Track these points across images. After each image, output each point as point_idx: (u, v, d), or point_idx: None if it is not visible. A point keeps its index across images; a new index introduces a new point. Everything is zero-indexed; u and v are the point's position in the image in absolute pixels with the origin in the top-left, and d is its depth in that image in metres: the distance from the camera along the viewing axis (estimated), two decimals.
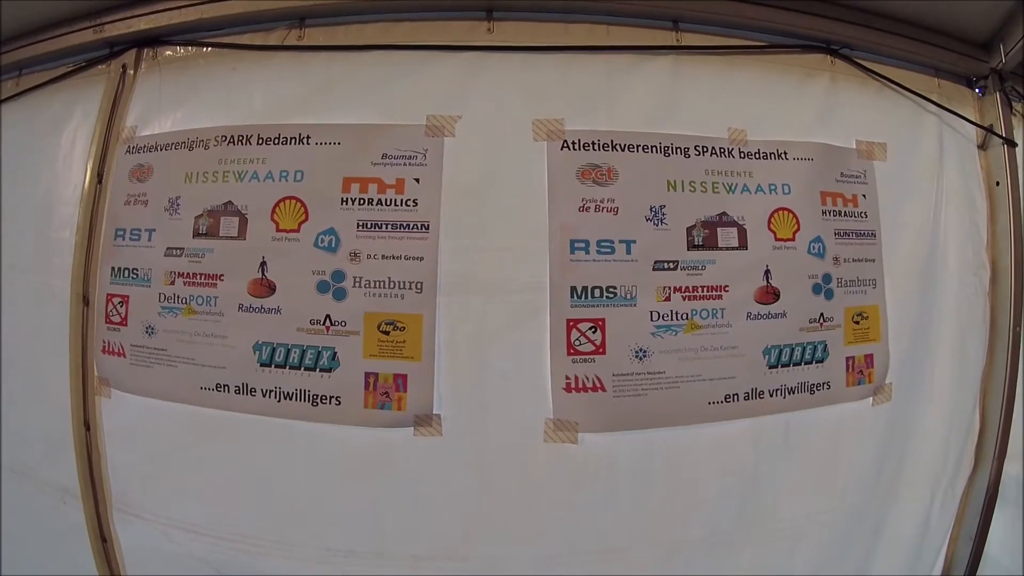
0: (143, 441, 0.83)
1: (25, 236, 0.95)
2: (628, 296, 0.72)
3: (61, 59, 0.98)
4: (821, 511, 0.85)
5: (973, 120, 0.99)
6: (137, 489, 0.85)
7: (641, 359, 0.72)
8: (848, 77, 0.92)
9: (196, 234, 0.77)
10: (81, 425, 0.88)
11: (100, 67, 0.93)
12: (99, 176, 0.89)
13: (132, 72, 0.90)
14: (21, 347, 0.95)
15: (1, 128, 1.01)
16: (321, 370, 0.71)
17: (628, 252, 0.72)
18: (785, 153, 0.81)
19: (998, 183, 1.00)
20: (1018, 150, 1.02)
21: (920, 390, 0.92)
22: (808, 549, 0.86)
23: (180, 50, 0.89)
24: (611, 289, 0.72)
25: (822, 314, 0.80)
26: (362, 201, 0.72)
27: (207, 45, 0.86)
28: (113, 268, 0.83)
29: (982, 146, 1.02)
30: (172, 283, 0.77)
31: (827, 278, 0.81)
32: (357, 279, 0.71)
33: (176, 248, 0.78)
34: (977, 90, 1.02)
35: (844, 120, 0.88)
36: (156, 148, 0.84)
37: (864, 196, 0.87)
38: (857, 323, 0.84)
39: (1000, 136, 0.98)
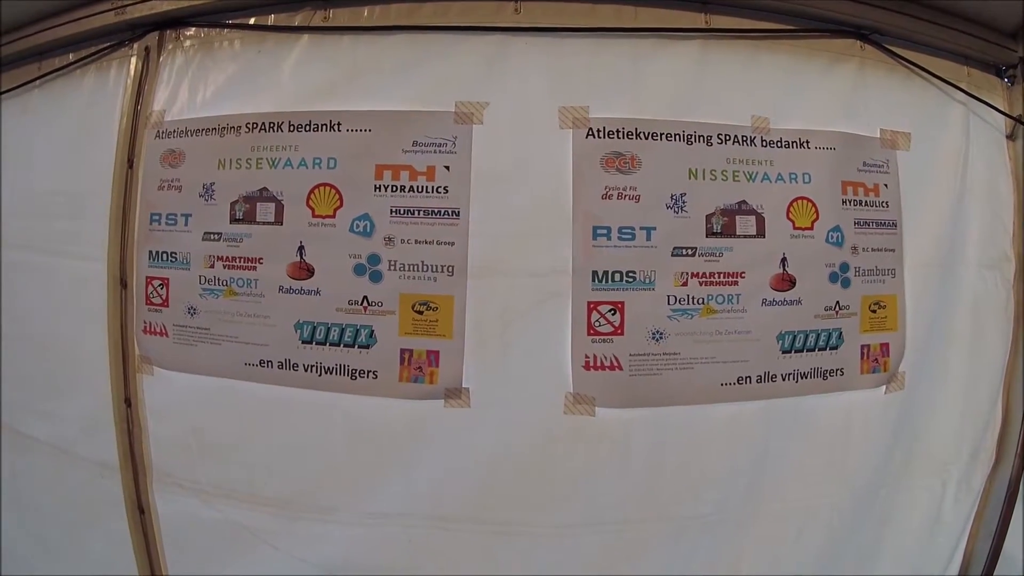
0: (185, 415, 0.95)
1: (58, 222, 1.06)
2: (647, 280, 0.81)
3: (82, 42, 1.07)
4: (828, 495, 0.95)
5: (1002, 109, 1.06)
6: (178, 460, 0.97)
7: (657, 340, 0.81)
8: (876, 64, 0.97)
9: (233, 219, 0.86)
10: (122, 402, 1.00)
11: (122, 50, 1.02)
12: (129, 161, 0.99)
13: (156, 55, 0.98)
14: (59, 330, 1.05)
15: None
16: (359, 346, 0.82)
17: (648, 238, 0.81)
18: (807, 142, 0.88)
19: None
20: None
21: (934, 381, 0.99)
22: (815, 532, 0.96)
23: (203, 32, 0.98)
24: (631, 274, 0.81)
25: (838, 302, 0.89)
26: (394, 188, 0.81)
27: (231, 27, 0.94)
28: (151, 252, 0.93)
29: (1011, 136, 1.07)
30: (212, 266, 0.87)
31: (844, 267, 0.89)
32: (392, 262, 0.81)
33: (214, 233, 0.88)
34: (1006, 80, 1.07)
35: (869, 108, 0.94)
36: (186, 133, 0.93)
37: (886, 186, 0.94)
38: (874, 312, 0.92)
39: None
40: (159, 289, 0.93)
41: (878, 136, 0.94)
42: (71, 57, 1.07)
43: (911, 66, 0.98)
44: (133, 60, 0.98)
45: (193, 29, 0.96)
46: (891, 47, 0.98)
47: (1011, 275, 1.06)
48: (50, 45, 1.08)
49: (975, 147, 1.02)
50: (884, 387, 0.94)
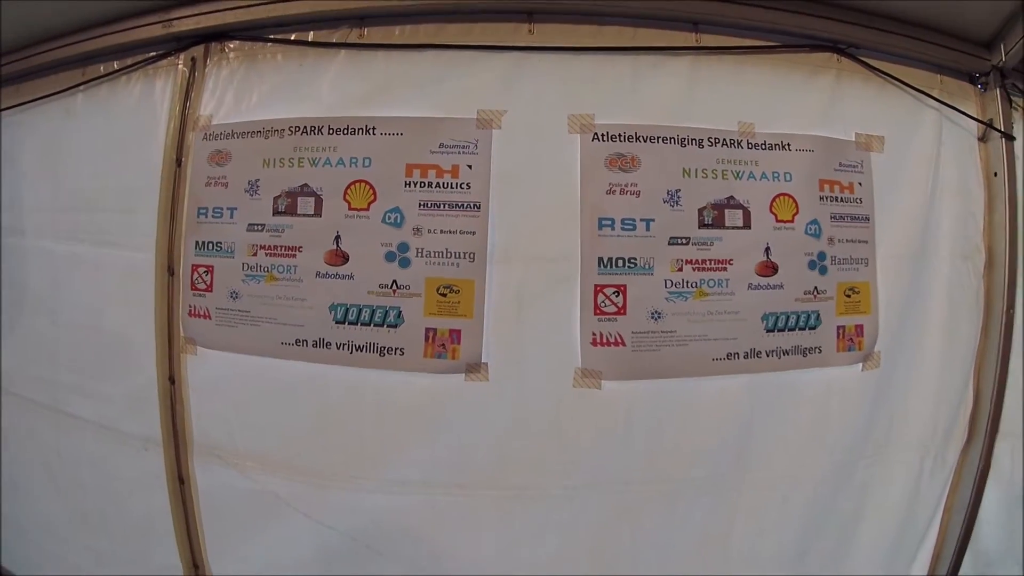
0: (226, 391, 1.07)
1: (107, 216, 1.18)
2: (646, 266, 0.95)
3: (127, 51, 1.21)
4: (810, 465, 1.08)
5: (973, 115, 1.19)
6: (217, 434, 1.09)
7: (656, 320, 0.95)
8: (852, 75, 1.11)
9: (275, 212, 0.99)
10: (166, 380, 1.12)
11: (170, 59, 1.15)
12: (177, 160, 1.12)
13: (203, 64, 1.12)
14: (107, 316, 1.18)
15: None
16: (388, 326, 0.94)
17: (647, 229, 0.95)
18: (788, 145, 1.02)
19: (996, 174, 1.20)
20: (1017, 144, 1.23)
21: (909, 361, 1.12)
22: (800, 498, 1.09)
23: (247, 45, 1.11)
24: (632, 260, 0.94)
25: (816, 287, 1.02)
26: (423, 184, 0.94)
27: (276, 42, 1.07)
28: (197, 242, 1.06)
29: (982, 139, 1.20)
30: (255, 254, 1.00)
31: (822, 256, 1.03)
32: (419, 250, 0.94)
33: (258, 224, 1.01)
34: (979, 86, 1.21)
35: (845, 114, 1.08)
36: (233, 136, 1.06)
37: (860, 184, 1.07)
38: (849, 296, 1.06)
39: (999, 131, 1.18)
40: (204, 276, 1.05)
41: (853, 139, 1.08)
42: (115, 65, 1.20)
43: (885, 76, 1.12)
44: (180, 69, 1.12)
45: (236, 43, 1.10)
46: (866, 59, 1.12)
47: (982, 266, 1.19)
48: (95, 53, 1.22)
49: (947, 149, 1.15)
50: (860, 365, 1.07)
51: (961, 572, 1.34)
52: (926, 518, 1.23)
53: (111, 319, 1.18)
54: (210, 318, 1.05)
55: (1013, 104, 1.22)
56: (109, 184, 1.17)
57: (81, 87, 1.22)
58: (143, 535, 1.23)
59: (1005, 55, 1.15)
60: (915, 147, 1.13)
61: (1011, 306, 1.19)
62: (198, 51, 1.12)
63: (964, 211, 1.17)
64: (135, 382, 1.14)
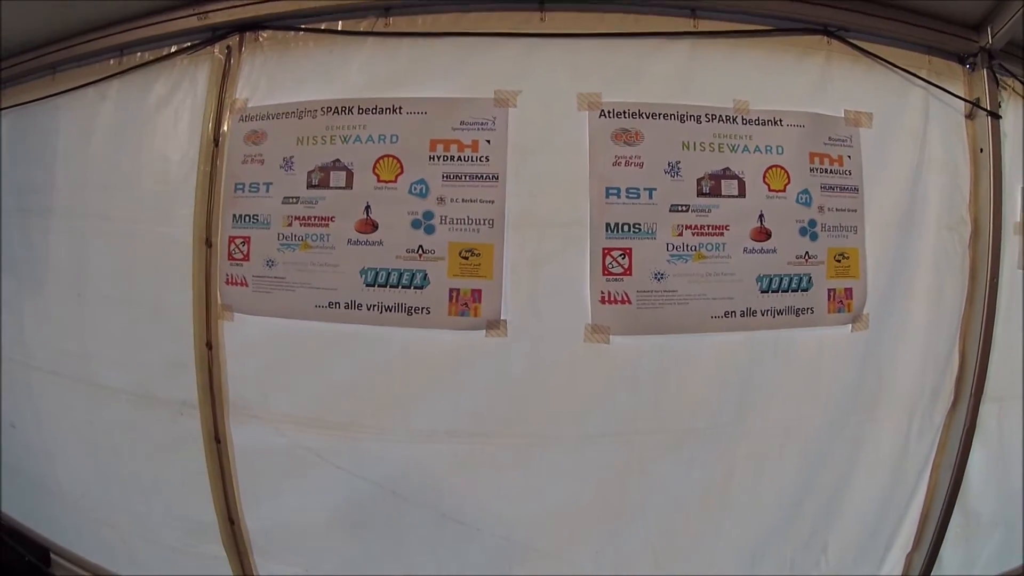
0: (261, 354, 1.22)
1: (144, 192, 1.33)
2: (650, 231, 1.09)
3: (164, 41, 1.35)
4: (805, 418, 1.22)
5: (960, 95, 1.33)
6: (253, 394, 1.24)
7: (659, 280, 1.09)
8: (842, 55, 1.25)
9: (309, 186, 1.14)
10: (203, 346, 1.27)
11: (206, 48, 1.29)
12: (215, 140, 1.27)
13: (238, 52, 1.26)
14: (141, 288, 1.32)
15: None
16: (415, 287, 1.09)
17: (650, 197, 1.09)
18: (780, 120, 1.16)
19: (982, 150, 1.35)
20: (1006, 121, 1.37)
21: (896, 324, 1.26)
22: (796, 449, 1.24)
23: (279, 34, 1.26)
24: (636, 225, 1.09)
25: (807, 252, 1.16)
26: (446, 158, 1.09)
27: (307, 31, 1.22)
28: (235, 215, 1.20)
29: (969, 116, 1.34)
30: (290, 225, 1.15)
31: (812, 223, 1.17)
32: (443, 217, 1.09)
33: (292, 197, 1.15)
34: (967, 66, 1.35)
35: (835, 92, 1.22)
36: (268, 117, 1.20)
37: (849, 157, 1.21)
38: (839, 261, 1.20)
39: (985, 110, 1.32)
40: (241, 246, 1.20)
41: (843, 116, 1.22)
42: (148, 56, 1.35)
43: (873, 57, 1.26)
44: (216, 56, 1.26)
45: (269, 32, 1.24)
46: (855, 41, 1.26)
47: (967, 237, 1.33)
48: (132, 43, 1.37)
49: (934, 125, 1.29)
50: (850, 326, 1.21)
51: (950, 530, 1.50)
52: (915, 474, 1.37)
53: (145, 292, 1.32)
54: (247, 285, 1.19)
55: (1000, 84, 1.37)
56: (145, 165, 1.32)
57: (117, 76, 1.37)
58: (179, 495, 1.38)
59: (992, 37, 1.29)
60: (903, 123, 1.27)
61: (995, 275, 1.34)
62: (233, 40, 1.26)
63: (950, 184, 1.31)
64: (170, 349, 1.28)
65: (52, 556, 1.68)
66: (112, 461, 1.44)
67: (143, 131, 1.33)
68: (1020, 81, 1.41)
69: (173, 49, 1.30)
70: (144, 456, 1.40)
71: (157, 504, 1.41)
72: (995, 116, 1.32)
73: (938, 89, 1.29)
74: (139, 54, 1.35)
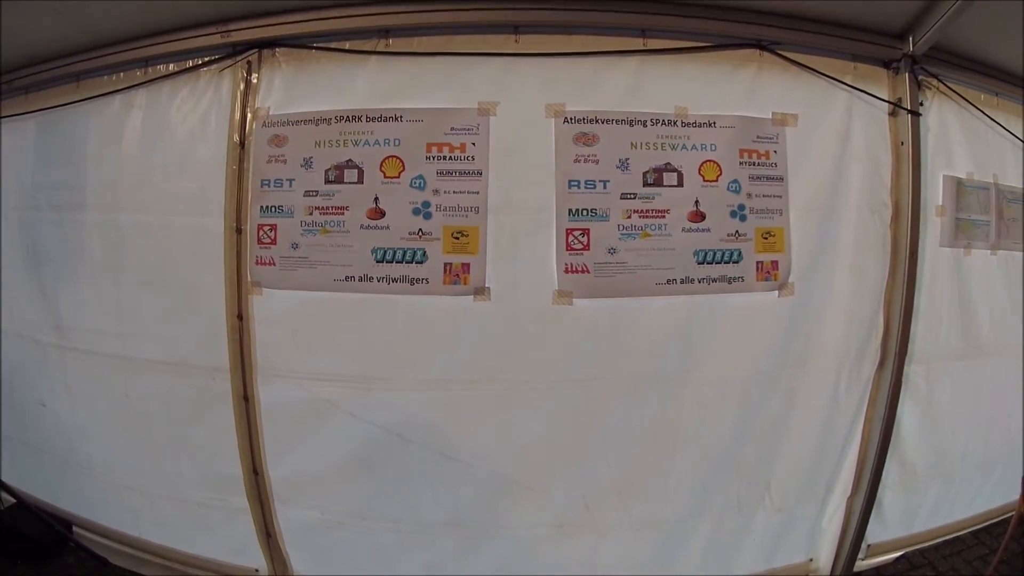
0: (287, 322, 1.65)
1: (177, 188, 1.75)
2: (604, 215, 1.53)
3: (188, 55, 1.77)
4: (740, 370, 1.66)
5: (883, 96, 1.76)
6: (278, 356, 1.67)
7: (612, 254, 1.53)
8: (772, 65, 1.68)
9: (326, 181, 1.57)
10: (235, 317, 1.69)
11: (228, 61, 1.72)
12: (241, 143, 1.69)
13: (258, 66, 1.69)
14: (176, 272, 1.75)
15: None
16: (416, 262, 1.52)
17: (604, 188, 1.53)
18: (714, 123, 1.59)
19: (903, 143, 1.80)
20: (928, 117, 1.81)
21: (820, 292, 1.70)
22: (733, 398, 1.68)
23: (294, 51, 1.68)
24: (593, 210, 1.52)
25: (737, 231, 1.60)
26: (439, 157, 1.52)
27: (319, 49, 1.64)
28: (262, 207, 1.63)
29: (892, 114, 1.79)
30: (311, 213, 1.58)
31: (741, 207, 1.61)
32: (438, 206, 1.52)
33: (312, 191, 1.58)
34: (893, 70, 1.80)
35: (765, 97, 1.65)
36: (288, 123, 1.63)
37: (775, 152, 1.65)
38: (766, 239, 1.64)
39: (906, 109, 1.77)
40: (268, 232, 1.63)
41: (770, 117, 1.66)
42: (172, 68, 1.77)
43: (799, 66, 1.70)
44: (240, 69, 1.69)
45: (284, 49, 1.67)
46: (785, 53, 1.70)
47: (889, 218, 1.78)
48: (158, 56, 1.79)
49: (857, 123, 1.73)
50: (776, 292, 1.65)
51: (890, 479, 1.96)
52: (847, 425, 1.82)
53: (179, 274, 1.75)
54: (275, 265, 1.62)
55: (925, 84, 1.82)
56: (175, 166, 1.74)
57: (143, 85, 1.79)
58: (207, 453, 1.82)
59: (913, 45, 1.73)
60: (827, 122, 1.70)
61: (915, 252, 1.79)
62: (253, 56, 1.69)
63: (872, 173, 1.75)
64: (203, 323, 1.71)
65: (75, 529, 2.10)
66: (145, 429, 1.86)
67: (174, 135, 1.75)
68: (943, 82, 1.87)
69: (198, 62, 1.73)
70: (177, 420, 1.83)
71: (187, 463, 1.84)
72: (915, 114, 1.77)
73: (861, 92, 1.74)
74: (165, 66, 1.78)
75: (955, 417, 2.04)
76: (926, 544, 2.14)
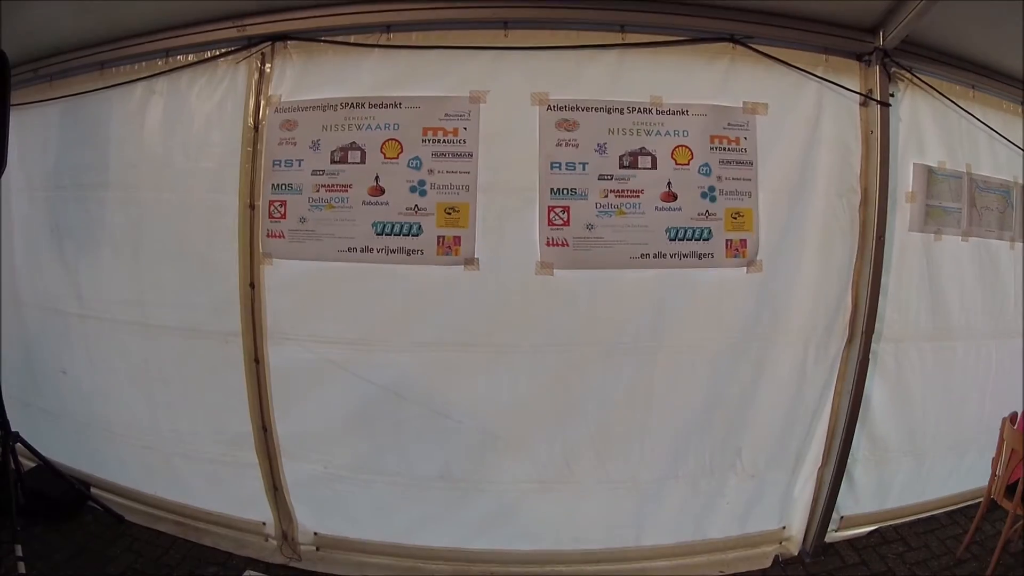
0: (296, 290, 1.91)
1: (196, 167, 2.03)
2: (583, 194, 1.77)
3: (206, 47, 2.05)
4: (711, 340, 1.90)
5: (853, 88, 1.98)
6: (287, 321, 1.94)
7: (590, 229, 1.77)
8: (744, 57, 1.90)
9: (332, 162, 1.83)
10: (247, 285, 1.97)
11: (244, 52, 2.00)
12: (255, 127, 1.97)
13: (271, 57, 1.97)
14: (193, 245, 2.02)
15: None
16: (412, 235, 1.78)
17: (584, 169, 1.77)
18: (687, 111, 1.83)
19: (872, 132, 2.02)
20: (900, 108, 2.04)
21: (788, 270, 1.92)
22: (704, 367, 1.92)
23: (304, 44, 1.96)
24: (573, 190, 1.77)
25: (707, 211, 1.84)
26: (434, 140, 1.77)
27: (327, 42, 1.91)
28: (273, 184, 1.90)
29: (863, 104, 2.02)
30: (318, 191, 1.84)
31: (712, 189, 1.85)
32: (433, 184, 1.78)
33: (319, 170, 1.85)
34: (864, 62, 2.02)
35: (737, 87, 1.88)
36: (298, 109, 1.90)
37: (745, 138, 1.89)
38: (735, 218, 1.88)
39: (875, 100, 2.00)
40: (279, 208, 1.90)
41: (741, 106, 1.90)
42: (191, 58, 2.05)
43: (771, 59, 1.94)
44: (254, 59, 1.97)
45: (295, 42, 1.94)
46: (757, 46, 1.93)
47: (857, 203, 2.01)
48: (178, 47, 2.08)
49: (827, 112, 1.95)
50: (745, 268, 1.89)
51: (861, 454, 2.18)
52: (815, 397, 2.05)
53: (196, 247, 2.03)
54: (284, 237, 1.89)
55: (896, 76, 2.05)
56: (193, 148, 2.02)
57: (164, 73, 2.08)
58: (220, 412, 2.10)
59: (884, 39, 1.96)
60: (797, 111, 1.93)
61: (881, 236, 2.02)
62: (266, 48, 1.96)
63: (841, 160, 1.97)
64: (219, 290, 1.99)
65: (92, 489, 2.40)
66: (162, 391, 2.16)
67: (192, 120, 2.03)
68: (915, 75, 2.10)
69: (216, 53, 2.01)
70: (192, 381, 2.11)
71: (201, 422, 2.13)
72: (884, 104, 1.99)
73: (831, 84, 1.98)
74: (184, 56, 2.06)
75: (925, 396, 2.25)
76: (900, 521, 2.34)
